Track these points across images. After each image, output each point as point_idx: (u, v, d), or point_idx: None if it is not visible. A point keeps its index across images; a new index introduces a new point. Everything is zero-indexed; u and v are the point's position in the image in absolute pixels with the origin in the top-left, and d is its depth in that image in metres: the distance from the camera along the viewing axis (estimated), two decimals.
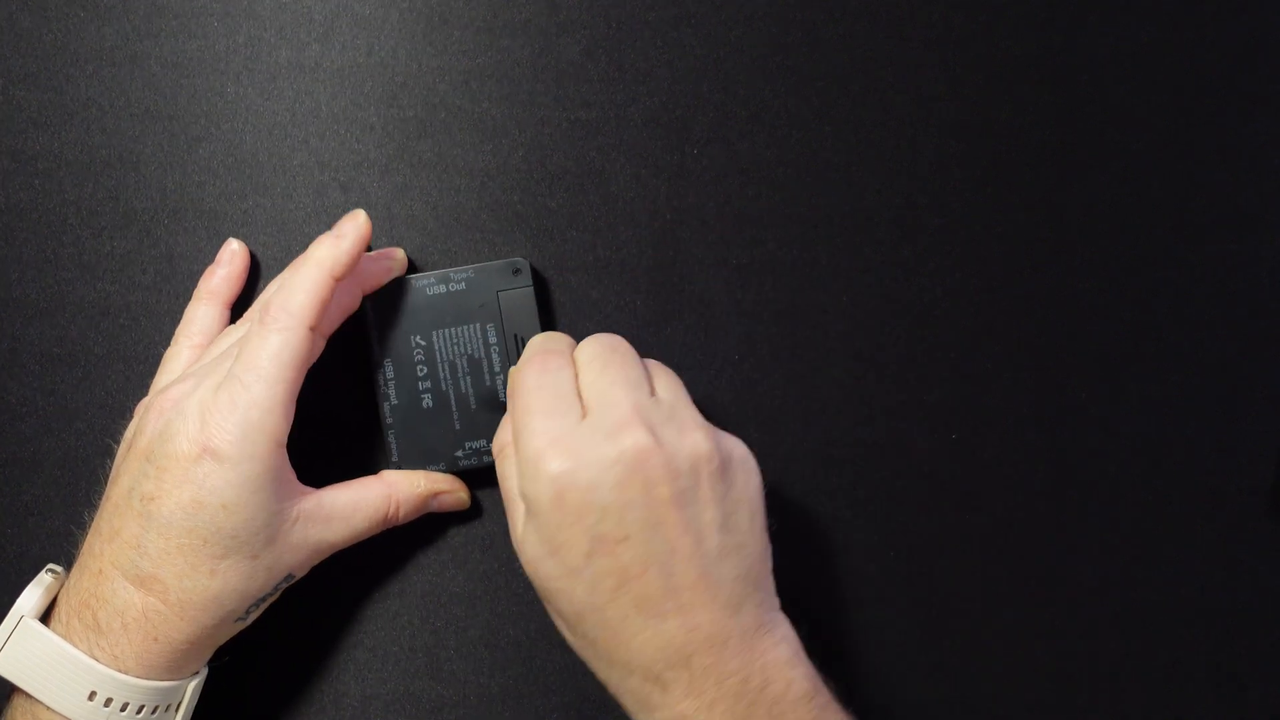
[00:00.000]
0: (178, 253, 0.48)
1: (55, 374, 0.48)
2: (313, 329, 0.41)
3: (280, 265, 0.48)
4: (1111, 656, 0.50)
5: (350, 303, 0.45)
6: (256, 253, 0.48)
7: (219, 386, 0.40)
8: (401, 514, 0.45)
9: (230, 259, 0.47)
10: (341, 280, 0.42)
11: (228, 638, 0.42)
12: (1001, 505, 0.50)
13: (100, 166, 0.48)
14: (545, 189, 0.49)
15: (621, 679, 0.39)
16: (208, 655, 0.42)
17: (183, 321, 0.46)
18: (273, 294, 0.43)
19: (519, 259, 0.46)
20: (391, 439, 0.46)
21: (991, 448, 0.50)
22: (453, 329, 0.46)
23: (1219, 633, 0.50)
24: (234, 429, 0.39)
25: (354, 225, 0.43)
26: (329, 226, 0.48)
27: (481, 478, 0.48)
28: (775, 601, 0.41)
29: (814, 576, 0.49)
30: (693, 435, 0.39)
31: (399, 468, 0.46)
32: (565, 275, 0.49)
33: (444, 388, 0.46)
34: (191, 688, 0.42)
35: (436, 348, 0.46)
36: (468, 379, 0.46)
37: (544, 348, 0.42)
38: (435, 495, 0.46)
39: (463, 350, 0.46)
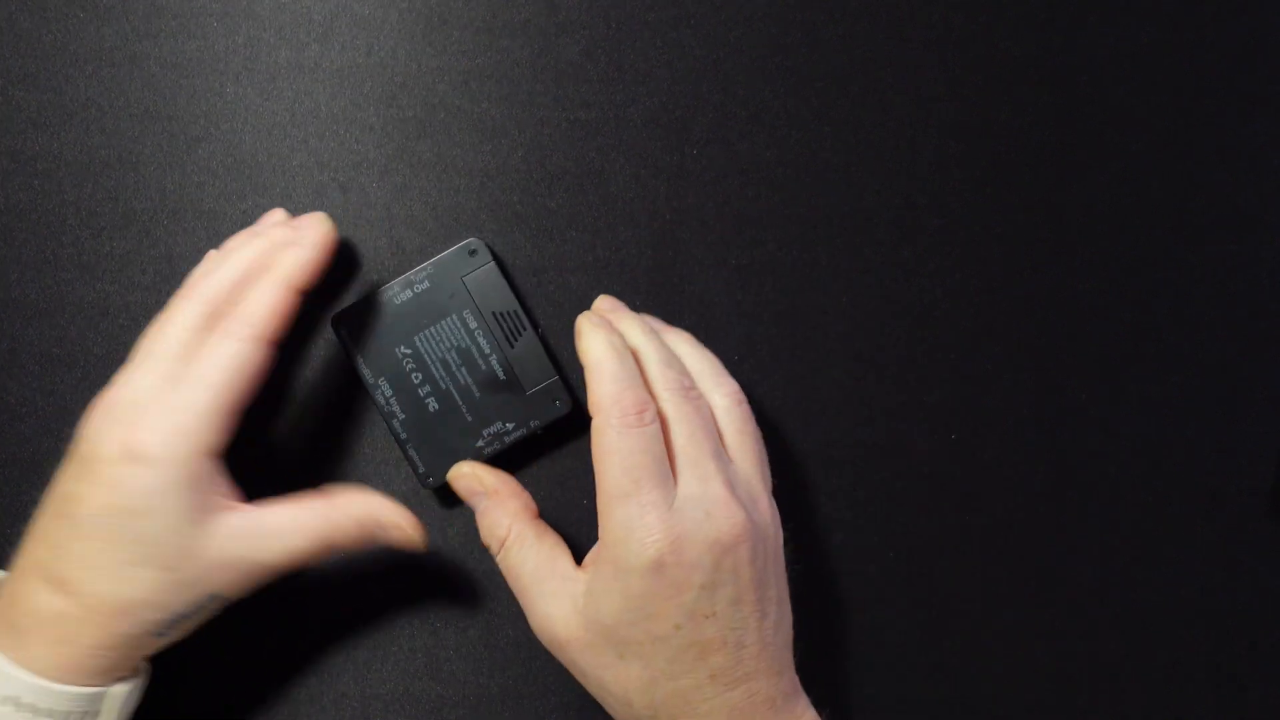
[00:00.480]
0: (177, 253, 0.48)
1: (55, 374, 0.48)
2: (269, 342, 0.40)
3: None
4: (1111, 656, 0.50)
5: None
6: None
7: (153, 388, 0.39)
8: (339, 537, 0.41)
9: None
10: (304, 291, 0.41)
11: (149, 651, 0.40)
12: (1001, 505, 0.50)
13: (99, 167, 0.48)
14: (545, 189, 0.49)
15: None
16: (127, 666, 0.40)
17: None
18: (209, 284, 0.42)
19: (472, 240, 0.46)
20: (412, 453, 0.46)
21: (991, 448, 0.50)
22: (432, 328, 0.46)
23: (1219, 633, 0.50)
24: (160, 430, 0.38)
25: (319, 233, 0.42)
26: None
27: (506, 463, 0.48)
28: None
29: (814, 577, 0.49)
30: (763, 506, 0.42)
31: (428, 479, 0.46)
32: (565, 275, 0.49)
33: (443, 386, 0.46)
34: (115, 694, 0.40)
35: (423, 351, 0.46)
36: (463, 370, 0.46)
37: (626, 386, 0.40)
38: (378, 524, 0.42)
39: (449, 344, 0.46)
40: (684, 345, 0.45)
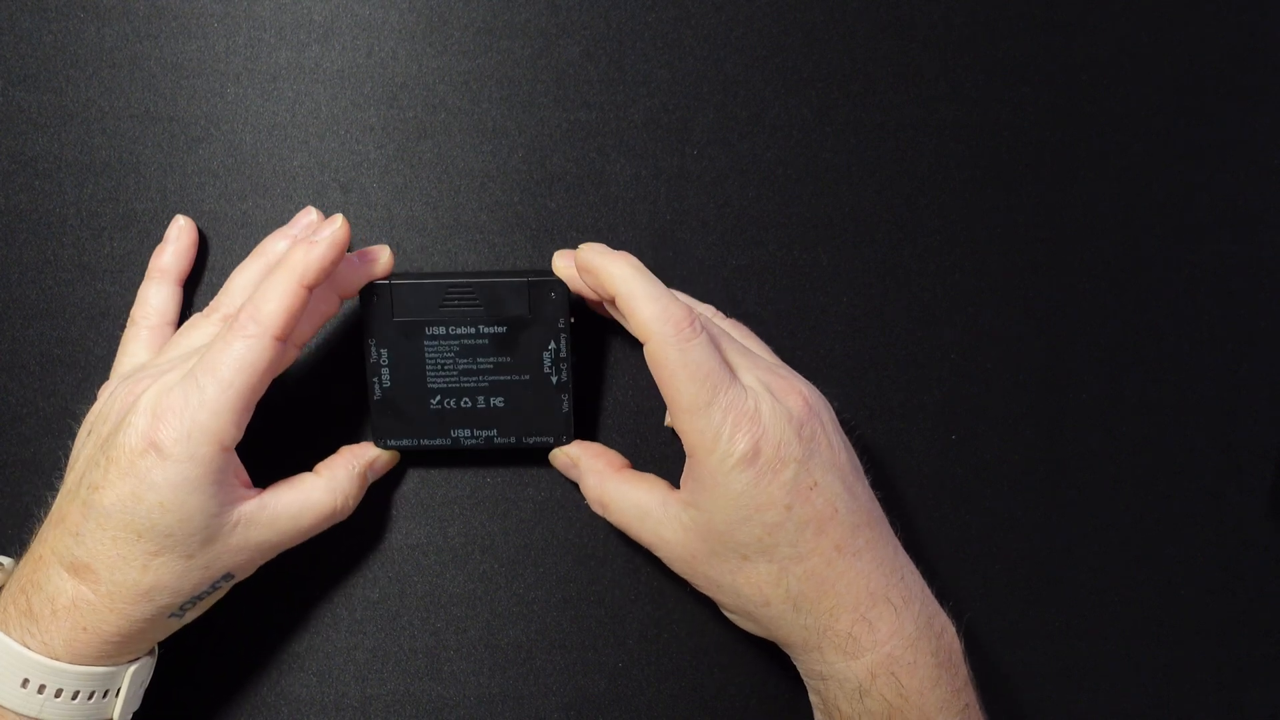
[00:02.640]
0: None
1: (55, 375, 0.48)
2: (279, 338, 0.40)
3: None
4: (1111, 656, 0.50)
5: (327, 309, 0.44)
6: None
7: (175, 385, 0.40)
8: (348, 505, 0.45)
9: (178, 235, 0.47)
10: (314, 288, 0.41)
11: (167, 633, 0.42)
12: (1001, 505, 0.50)
13: (100, 168, 0.48)
14: (545, 190, 0.49)
15: (828, 625, 0.40)
16: (144, 647, 0.42)
17: (137, 302, 0.46)
18: (236, 291, 0.45)
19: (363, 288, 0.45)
20: (530, 442, 0.46)
21: (991, 448, 0.50)
22: (429, 371, 0.45)
23: (1219, 633, 0.50)
24: (180, 428, 0.39)
25: (330, 231, 0.41)
26: None
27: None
28: None
29: None
30: (812, 385, 0.43)
31: (563, 439, 0.46)
32: None
33: (486, 382, 0.45)
34: (130, 673, 0.41)
35: (445, 388, 0.45)
36: (479, 360, 0.45)
37: (670, 300, 0.41)
38: (369, 466, 0.46)
39: (450, 362, 0.45)
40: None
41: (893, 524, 0.43)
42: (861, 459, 0.43)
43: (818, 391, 0.43)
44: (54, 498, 0.42)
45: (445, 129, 0.48)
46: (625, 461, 0.47)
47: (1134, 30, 0.50)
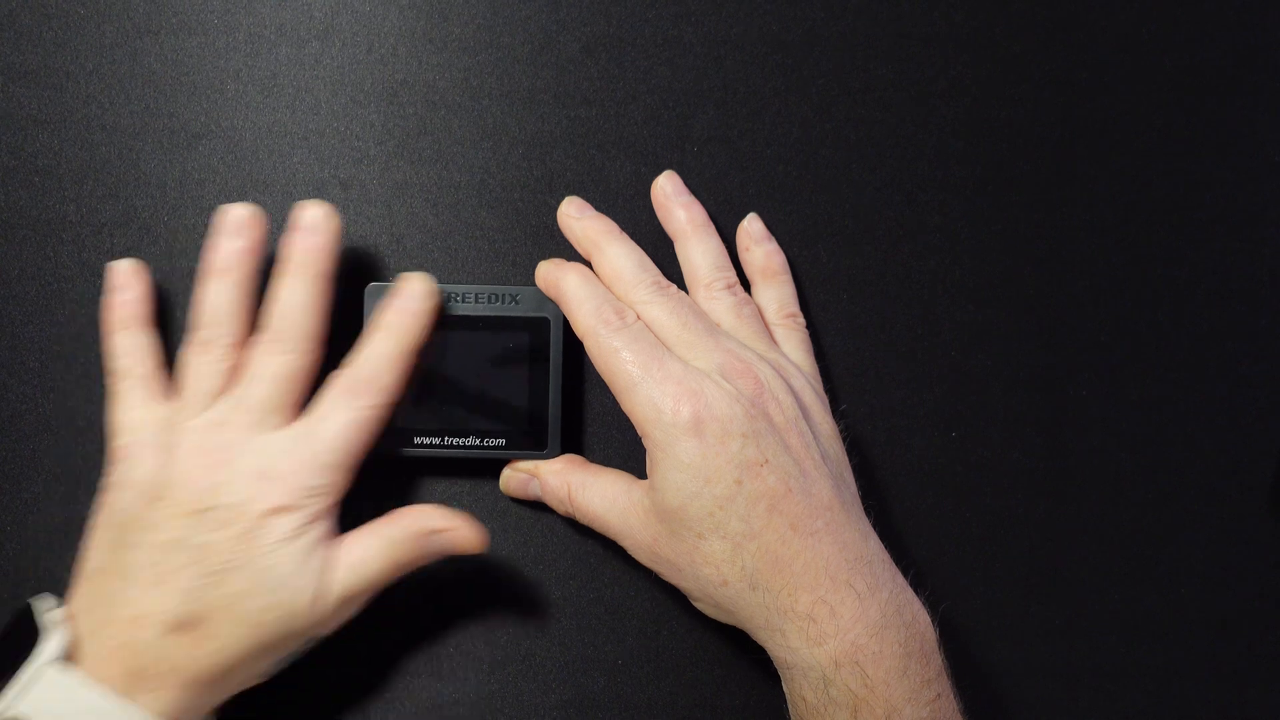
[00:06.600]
0: (178, 250, 0.48)
1: (55, 374, 0.48)
2: (392, 406, 0.43)
3: None
4: (1111, 656, 0.50)
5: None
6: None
7: (287, 447, 0.41)
8: (403, 556, 0.44)
9: (126, 282, 0.46)
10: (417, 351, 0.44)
11: (248, 686, 0.43)
12: (1001, 503, 0.50)
13: (100, 164, 0.48)
14: (545, 188, 0.49)
15: (787, 605, 0.40)
16: (227, 697, 0.43)
17: (114, 355, 0.45)
18: (224, 318, 0.43)
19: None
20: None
21: (991, 447, 0.50)
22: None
23: (1219, 633, 0.50)
24: (299, 490, 0.41)
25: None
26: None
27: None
28: None
29: None
30: (776, 359, 0.43)
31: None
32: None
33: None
34: None
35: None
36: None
37: (603, 302, 0.43)
38: (433, 530, 0.44)
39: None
40: (697, 238, 0.47)
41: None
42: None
43: (785, 367, 0.43)
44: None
45: (445, 126, 0.48)
46: (583, 459, 0.47)
47: (1134, 30, 0.50)
